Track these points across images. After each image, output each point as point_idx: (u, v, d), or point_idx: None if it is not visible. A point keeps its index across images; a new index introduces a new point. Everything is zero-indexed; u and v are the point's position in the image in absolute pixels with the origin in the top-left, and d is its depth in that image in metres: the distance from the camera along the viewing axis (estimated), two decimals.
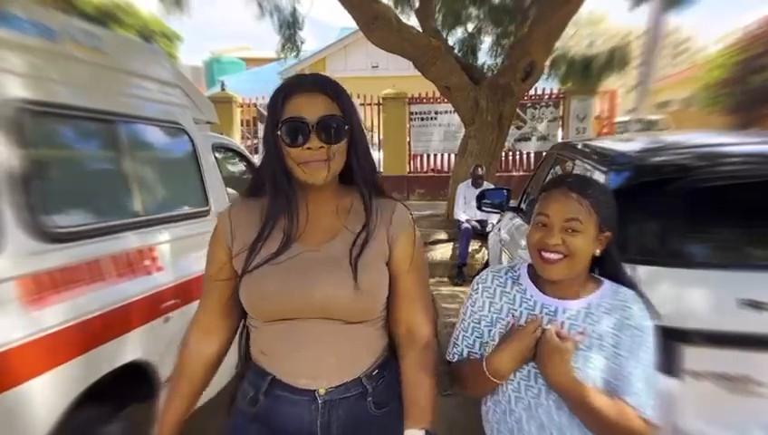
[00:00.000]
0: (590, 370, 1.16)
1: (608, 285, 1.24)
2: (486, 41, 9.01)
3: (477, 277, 1.36)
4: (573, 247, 1.16)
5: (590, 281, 1.25)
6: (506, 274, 1.32)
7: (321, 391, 1.15)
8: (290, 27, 8.16)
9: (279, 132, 1.09)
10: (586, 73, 10.40)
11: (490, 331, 1.28)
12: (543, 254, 1.18)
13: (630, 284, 1.25)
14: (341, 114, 1.12)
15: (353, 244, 1.14)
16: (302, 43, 8.35)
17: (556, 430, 1.20)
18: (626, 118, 14.18)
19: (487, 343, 1.27)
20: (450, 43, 8.18)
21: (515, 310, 1.26)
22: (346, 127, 1.12)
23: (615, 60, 10.41)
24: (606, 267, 1.26)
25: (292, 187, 1.14)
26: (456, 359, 1.33)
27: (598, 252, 1.20)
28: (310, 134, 1.08)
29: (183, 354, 1.28)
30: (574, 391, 1.13)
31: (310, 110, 1.09)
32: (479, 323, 1.30)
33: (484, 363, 1.20)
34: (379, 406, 1.19)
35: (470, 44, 8.98)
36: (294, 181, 1.14)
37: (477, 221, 6.56)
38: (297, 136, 1.08)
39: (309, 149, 1.08)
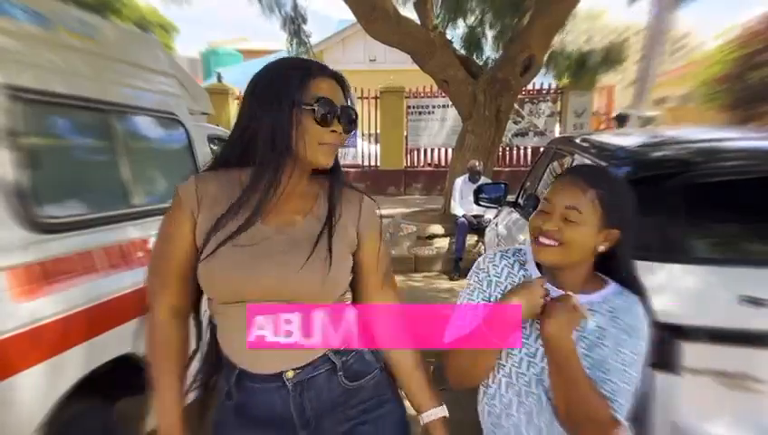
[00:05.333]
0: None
1: (613, 286, 1.20)
2: (486, 34, 8.96)
3: (485, 256, 1.32)
4: (567, 237, 1.13)
5: (595, 279, 1.21)
6: (514, 255, 1.30)
7: (290, 374, 1.13)
8: (294, 22, 8.09)
9: (313, 107, 1.07)
10: (581, 69, 10.40)
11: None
12: (539, 238, 1.16)
13: (636, 288, 1.20)
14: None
15: (322, 230, 1.13)
16: (308, 37, 8.28)
17: None
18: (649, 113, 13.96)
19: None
20: (449, 36, 8.13)
21: None
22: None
23: (610, 56, 10.40)
24: (612, 266, 1.21)
25: (284, 161, 1.10)
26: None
27: (602, 248, 1.16)
28: (333, 118, 1.10)
29: (160, 336, 1.19)
30: (566, 350, 1.09)
31: (335, 96, 1.11)
32: (485, 299, 1.25)
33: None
34: (352, 379, 1.19)
35: (470, 38, 8.94)
36: (286, 157, 1.10)
37: (474, 216, 6.54)
38: (328, 116, 1.09)
39: (334, 132, 1.10)
